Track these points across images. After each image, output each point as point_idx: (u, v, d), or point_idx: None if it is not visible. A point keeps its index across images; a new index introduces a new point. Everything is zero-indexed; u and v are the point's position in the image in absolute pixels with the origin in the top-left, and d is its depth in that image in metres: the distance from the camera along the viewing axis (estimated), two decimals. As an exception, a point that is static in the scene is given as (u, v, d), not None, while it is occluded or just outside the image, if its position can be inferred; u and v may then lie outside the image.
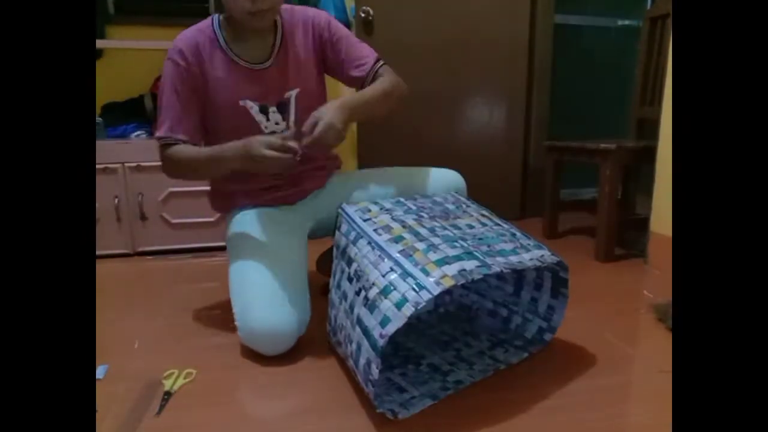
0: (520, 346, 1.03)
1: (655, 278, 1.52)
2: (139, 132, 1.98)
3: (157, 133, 1.10)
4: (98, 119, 1.97)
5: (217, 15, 1.14)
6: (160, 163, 1.12)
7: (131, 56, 2.12)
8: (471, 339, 1.07)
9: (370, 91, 1.09)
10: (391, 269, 0.81)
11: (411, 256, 0.82)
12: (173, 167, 1.11)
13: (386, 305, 0.77)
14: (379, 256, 0.84)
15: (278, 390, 0.91)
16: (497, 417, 0.82)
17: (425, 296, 0.75)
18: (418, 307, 0.74)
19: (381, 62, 1.16)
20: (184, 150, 1.08)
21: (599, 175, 1.68)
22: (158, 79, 2.05)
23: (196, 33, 1.10)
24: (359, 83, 1.15)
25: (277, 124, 1.15)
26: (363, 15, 2.10)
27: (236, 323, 1.02)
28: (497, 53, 2.22)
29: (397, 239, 0.87)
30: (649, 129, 1.98)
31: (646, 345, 1.12)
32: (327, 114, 0.96)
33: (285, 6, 1.13)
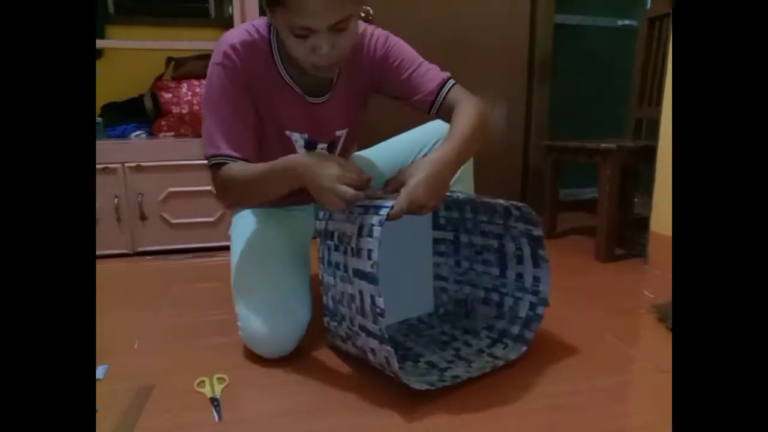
0: (517, 335, 1.03)
1: (655, 278, 1.52)
2: (139, 132, 1.98)
3: (209, 151, 0.93)
4: (98, 119, 1.97)
5: (268, 22, 0.95)
6: (213, 190, 0.96)
7: (131, 56, 2.12)
8: (471, 338, 1.07)
9: (460, 137, 0.90)
10: (358, 214, 0.86)
11: (375, 200, 0.86)
12: (231, 191, 0.95)
13: (364, 241, 0.82)
14: (349, 213, 0.88)
15: (278, 390, 0.91)
16: (497, 417, 0.82)
17: (384, 211, 0.81)
18: (382, 220, 0.80)
19: (448, 85, 1.00)
20: (239, 169, 0.91)
21: (599, 175, 1.68)
22: (159, 78, 2.06)
23: (248, 36, 0.94)
24: (426, 110, 1.03)
25: None
26: (363, 15, 2.10)
27: (238, 323, 1.02)
28: (497, 53, 2.22)
29: (370, 197, 0.91)
30: (648, 129, 1.98)
31: (646, 345, 1.12)
32: (412, 184, 0.81)
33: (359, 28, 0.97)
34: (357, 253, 0.85)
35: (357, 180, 0.82)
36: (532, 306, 1.04)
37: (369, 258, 0.82)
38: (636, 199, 2.13)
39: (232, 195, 0.99)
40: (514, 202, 0.97)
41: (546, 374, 0.95)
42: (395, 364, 0.82)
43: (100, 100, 2.00)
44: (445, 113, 1.00)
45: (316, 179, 0.82)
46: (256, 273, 1.03)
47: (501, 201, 0.97)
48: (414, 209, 0.82)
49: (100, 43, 1.93)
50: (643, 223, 1.65)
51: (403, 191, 0.81)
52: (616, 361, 1.01)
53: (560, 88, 2.44)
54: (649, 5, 2.45)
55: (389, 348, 0.81)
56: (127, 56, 2.12)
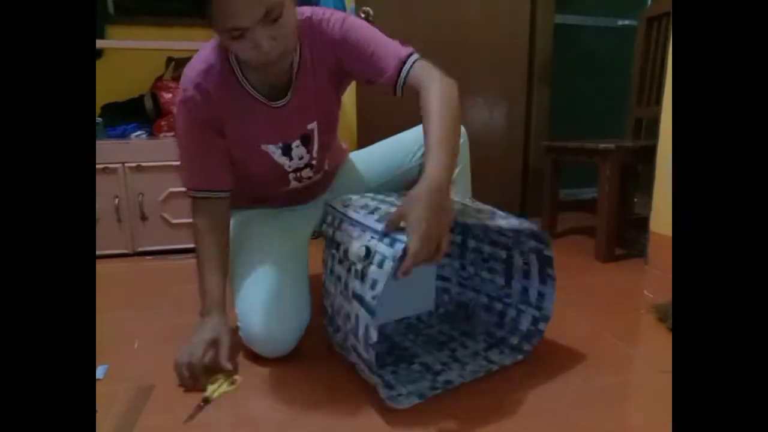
0: (515, 345, 1.03)
1: (655, 278, 1.52)
2: (139, 132, 1.99)
3: (188, 186, 1.02)
4: (98, 119, 1.97)
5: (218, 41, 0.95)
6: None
7: (131, 56, 2.12)
8: (468, 340, 1.07)
9: (439, 146, 0.83)
10: (371, 237, 0.84)
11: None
12: (193, 233, 1.04)
13: (372, 270, 0.80)
14: (360, 230, 0.87)
15: (278, 389, 0.91)
16: (497, 417, 0.82)
17: (399, 246, 0.77)
18: (396, 258, 0.76)
19: (408, 63, 0.93)
20: (205, 240, 1.01)
21: (599, 175, 1.68)
22: (159, 78, 2.06)
23: (205, 64, 0.95)
24: (392, 92, 0.96)
25: (301, 158, 1.07)
26: (363, 15, 2.09)
27: (238, 324, 1.02)
28: (497, 53, 2.21)
29: (373, 211, 0.89)
30: (647, 129, 1.98)
31: (646, 345, 1.12)
32: (413, 220, 0.75)
33: (303, 11, 0.95)
34: (361, 277, 0.82)
35: (182, 376, 0.92)
36: (535, 321, 1.04)
37: (372, 288, 0.78)
38: (636, 199, 2.13)
39: (193, 237, 1.04)
40: (527, 226, 0.93)
41: (546, 374, 0.95)
42: (383, 392, 0.82)
43: (100, 100, 2.00)
44: (411, 95, 0.94)
45: (184, 347, 0.94)
46: (255, 273, 1.03)
47: (511, 225, 0.92)
48: (427, 253, 0.75)
49: (100, 43, 1.94)
50: (643, 223, 1.65)
51: (410, 234, 0.75)
52: (616, 361, 1.01)
53: (560, 88, 2.45)
54: (648, 5, 2.45)
55: (377, 379, 0.81)
56: (127, 56, 2.12)
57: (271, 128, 1.01)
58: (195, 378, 0.91)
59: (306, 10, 0.97)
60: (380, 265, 0.78)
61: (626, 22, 2.61)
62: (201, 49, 0.98)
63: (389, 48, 0.95)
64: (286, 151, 1.04)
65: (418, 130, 1.20)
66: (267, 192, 1.17)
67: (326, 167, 1.17)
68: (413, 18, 2.11)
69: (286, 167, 1.07)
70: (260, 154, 1.03)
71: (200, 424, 0.81)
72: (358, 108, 2.09)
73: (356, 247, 0.85)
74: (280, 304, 0.99)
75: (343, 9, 2.17)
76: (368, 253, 0.81)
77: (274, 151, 1.03)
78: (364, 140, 2.07)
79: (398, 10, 2.09)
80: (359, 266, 0.83)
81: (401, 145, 1.24)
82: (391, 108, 2.22)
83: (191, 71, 0.95)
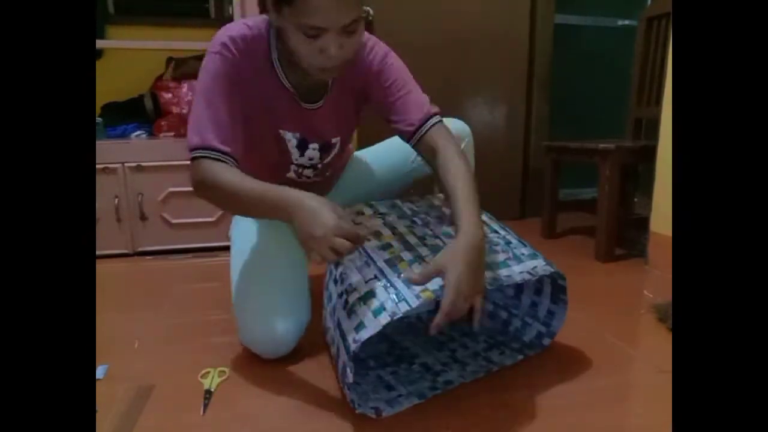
0: (516, 348, 1.03)
1: (655, 278, 1.52)
2: (139, 132, 1.99)
3: (194, 140, 0.87)
4: (98, 119, 1.97)
5: (268, 22, 0.92)
6: (190, 183, 0.89)
7: (131, 56, 2.12)
8: (468, 340, 1.07)
9: (466, 196, 0.85)
10: (375, 276, 0.81)
11: (396, 265, 0.82)
12: (210, 193, 0.88)
13: (363, 311, 0.77)
14: (365, 261, 0.85)
15: (278, 389, 0.91)
16: (497, 417, 0.82)
17: (403, 308, 0.75)
18: (394, 318, 0.74)
19: (432, 121, 0.96)
20: (227, 176, 0.85)
21: (599, 175, 1.68)
22: (159, 78, 2.06)
23: (248, 31, 0.91)
24: (406, 138, 1.00)
25: (311, 159, 1.06)
26: (363, 15, 2.09)
27: (237, 324, 1.02)
28: (497, 53, 2.22)
29: (385, 246, 0.87)
30: (647, 129, 1.98)
31: (646, 345, 1.12)
32: (452, 277, 0.74)
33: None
34: (350, 314, 0.79)
35: (353, 234, 0.75)
36: (539, 335, 1.03)
37: (357, 331, 0.76)
38: (636, 199, 2.13)
39: (210, 197, 0.89)
40: (542, 272, 0.91)
41: (546, 374, 0.95)
42: (367, 411, 0.81)
43: (100, 100, 2.00)
44: (423, 149, 0.98)
45: (307, 226, 0.75)
46: (255, 273, 1.03)
47: (526, 279, 0.88)
48: (460, 312, 0.74)
49: (100, 43, 1.94)
50: (643, 223, 1.65)
51: (448, 290, 0.73)
52: (616, 361, 1.01)
53: (560, 88, 2.45)
54: (648, 5, 2.45)
55: (358, 412, 0.80)
56: (127, 56, 2.12)
57: (296, 121, 1.00)
58: (355, 239, 0.75)
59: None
60: (375, 314, 0.76)
61: (626, 22, 2.61)
62: (243, 20, 0.94)
63: (419, 99, 0.99)
64: (301, 145, 1.04)
65: None
66: (265, 176, 1.15)
67: (327, 174, 1.17)
68: (413, 18, 2.11)
69: (293, 158, 1.06)
70: (276, 137, 1.01)
71: (199, 424, 0.82)
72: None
73: (357, 280, 0.81)
74: (280, 305, 0.99)
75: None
76: (367, 295, 0.79)
77: (291, 139, 1.02)
78: (365, 140, 2.07)
79: (398, 10, 2.09)
80: (351, 298, 0.80)
81: (404, 146, 1.23)
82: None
83: (231, 30, 0.90)
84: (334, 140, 1.07)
